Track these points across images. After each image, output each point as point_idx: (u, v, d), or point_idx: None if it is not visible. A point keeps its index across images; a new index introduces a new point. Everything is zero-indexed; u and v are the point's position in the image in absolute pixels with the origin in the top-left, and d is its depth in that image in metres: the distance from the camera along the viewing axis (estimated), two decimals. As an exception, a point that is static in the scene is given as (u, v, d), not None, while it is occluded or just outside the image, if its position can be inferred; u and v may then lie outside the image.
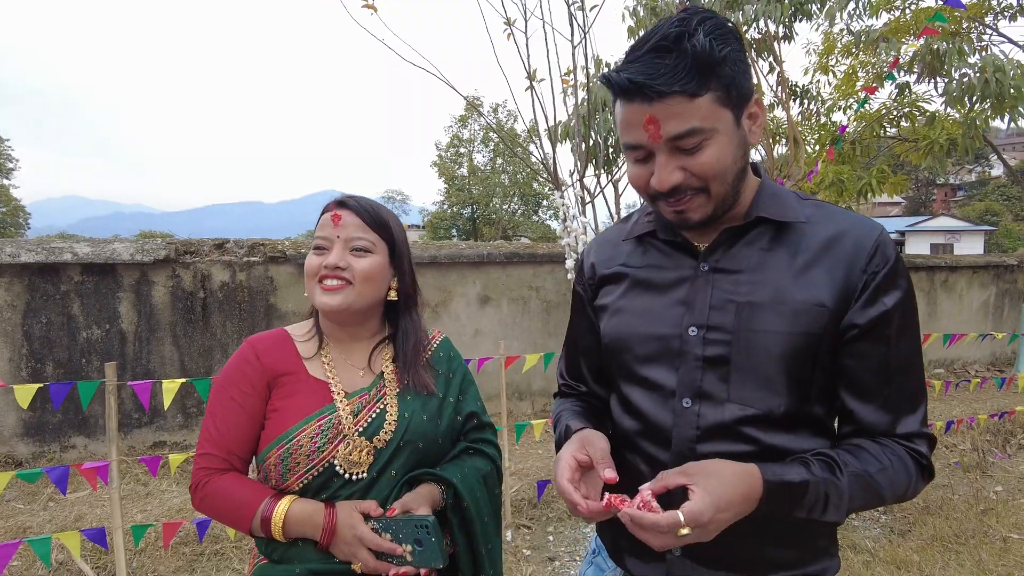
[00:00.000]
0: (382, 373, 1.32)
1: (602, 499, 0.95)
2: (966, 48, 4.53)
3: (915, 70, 5.18)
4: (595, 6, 3.87)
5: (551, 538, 3.91)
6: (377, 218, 1.29)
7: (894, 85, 5.20)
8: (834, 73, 7.67)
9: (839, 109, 7.25)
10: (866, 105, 5.41)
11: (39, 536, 2.69)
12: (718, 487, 0.88)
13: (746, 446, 1.01)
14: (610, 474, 0.95)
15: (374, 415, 1.27)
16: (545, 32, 3.52)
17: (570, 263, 3.75)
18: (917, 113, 6.31)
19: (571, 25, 3.61)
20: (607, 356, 1.16)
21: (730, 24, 0.96)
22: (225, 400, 1.26)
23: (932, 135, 5.91)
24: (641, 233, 1.15)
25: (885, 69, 5.25)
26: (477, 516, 1.29)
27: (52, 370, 4.54)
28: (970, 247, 29.64)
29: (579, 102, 5.65)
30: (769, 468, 0.93)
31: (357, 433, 1.24)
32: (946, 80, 4.67)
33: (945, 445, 5.71)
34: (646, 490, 0.91)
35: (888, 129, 6.74)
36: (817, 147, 6.63)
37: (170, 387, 2.83)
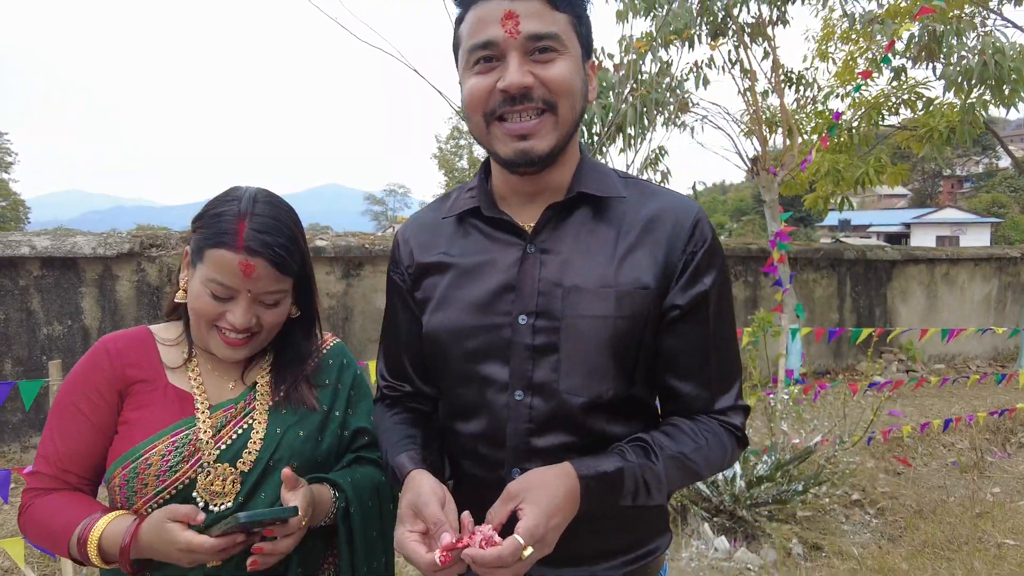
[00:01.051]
0: (255, 384, 1.15)
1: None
2: (966, 30, 4.32)
3: (910, 54, 4.97)
4: None
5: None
6: (292, 260, 1.06)
7: (890, 69, 5.00)
8: (833, 60, 7.45)
9: (837, 96, 7.03)
10: (862, 92, 5.21)
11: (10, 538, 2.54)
12: (543, 496, 0.85)
13: (578, 436, 0.98)
14: (447, 540, 0.84)
15: (239, 432, 1.09)
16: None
17: None
18: (916, 100, 6.10)
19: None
20: (432, 352, 1.06)
21: None
22: (68, 409, 1.08)
23: (931, 122, 5.70)
24: (462, 211, 1.05)
25: (881, 53, 5.05)
26: (362, 527, 1.12)
27: (11, 367, 4.38)
28: (976, 239, 29.30)
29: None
30: (583, 463, 0.91)
31: (216, 456, 1.06)
32: (944, 64, 4.46)
33: (943, 444, 5.53)
34: (486, 527, 0.84)
35: (887, 117, 6.52)
36: (813, 136, 6.42)
37: None
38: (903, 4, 5.67)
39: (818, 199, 6.90)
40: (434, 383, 1.11)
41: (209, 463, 1.05)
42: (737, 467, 3.84)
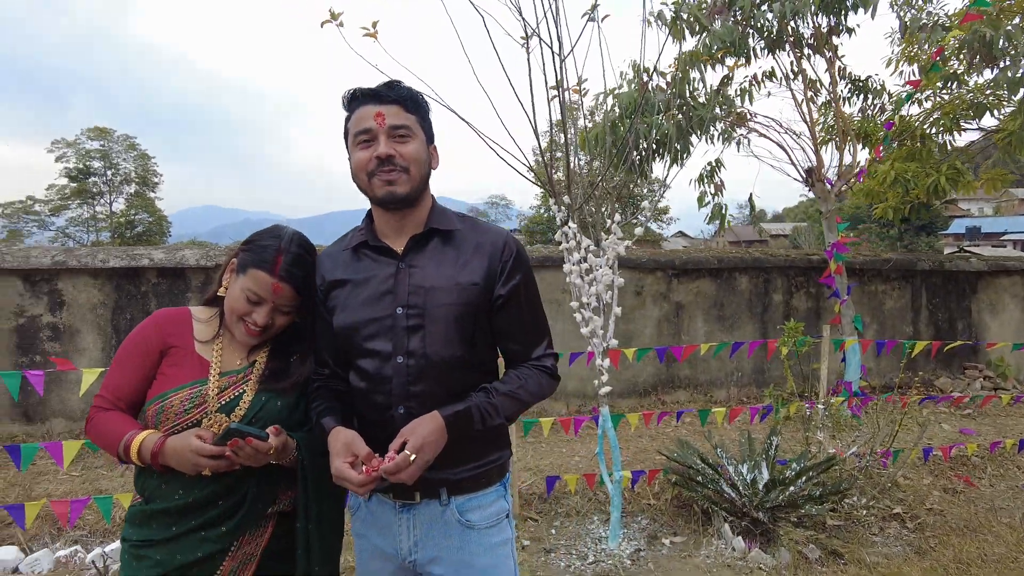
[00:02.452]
0: (255, 362, 1.59)
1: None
2: (1017, 35, 4.18)
3: (963, 60, 4.81)
4: (607, 16, 3.98)
5: (553, 531, 4.05)
6: (307, 288, 1.56)
7: (941, 77, 4.87)
8: (918, 62, 7.19)
9: (914, 102, 6.81)
10: (914, 99, 5.10)
11: (104, 495, 3.21)
12: (418, 430, 1.36)
13: (438, 384, 1.47)
14: (375, 461, 1.34)
15: (235, 395, 1.53)
16: (545, 46, 3.68)
17: (567, 267, 3.89)
18: (996, 104, 5.83)
19: (557, 42, 3.74)
20: (342, 341, 1.54)
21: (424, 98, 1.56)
22: (125, 357, 1.56)
23: (1011, 125, 5.45)
24: (356, 244, 1.57)
25: (930, 61, 4.91)
26: (312, 468, 1.50)
27: (133, 360, 5.24)
28: None
29: (609, 108, 5.73)
30: (445, 408, 1.41)
31: (216, 408, 1.50)
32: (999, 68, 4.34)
33: (1018, 465, 5.27)
34: (390, 453, 1.33)
35: (965, 123, 6.26)
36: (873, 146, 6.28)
37: None
38: (951, 11, 5.45)
39: (887, 208, 6.68)
40: (344, 365, 1.57)
41: (211, 412, 1.50)
42: (762, 471, 3.96)
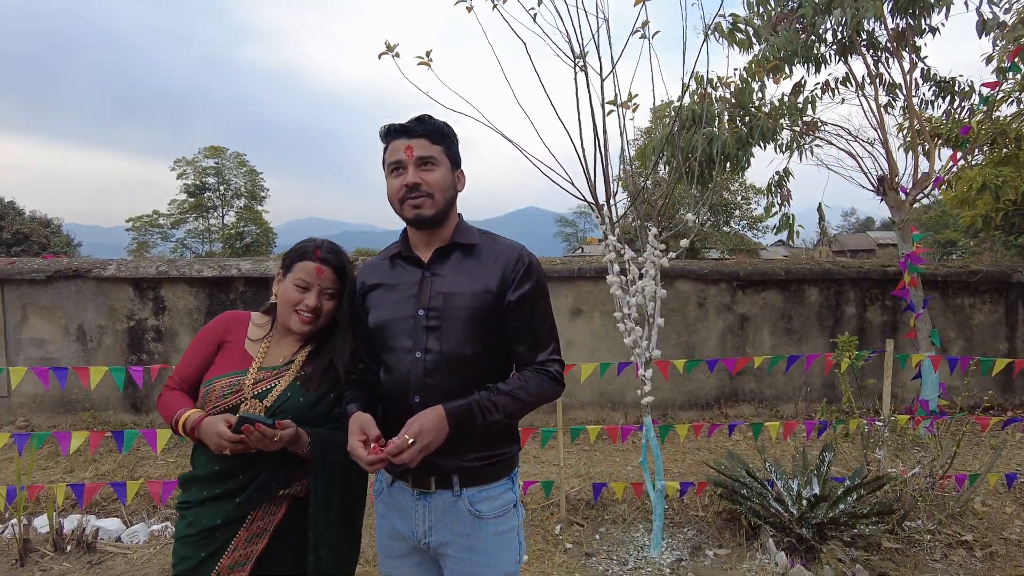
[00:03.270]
0: (292, 361, 1.85)
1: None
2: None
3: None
4: (657, 32, 4.08)
5: (597, 536, 4.14)
6: (344, 271, 1.85)
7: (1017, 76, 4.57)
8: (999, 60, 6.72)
9: (1010, 103, 6.38)
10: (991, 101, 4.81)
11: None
12: (420, 419, 1.54)
13: (450, 378, 1.65)
14: (380, 440, 1.56)
15: (268, 387, 1.79)
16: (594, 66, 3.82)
17: (611, 278, 4.00)
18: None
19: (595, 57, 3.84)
20: (374, 337, 1.75)
21: (452, 128, 1.77)
22: (194, 348, 1.88)
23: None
24: (392, 254, 1.82)
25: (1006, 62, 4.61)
26: (322, 461, 1.73)
27: (223, 360, 5.80)
28: None
29: (672, 121, 5.77)
30: (449, 403, 1.58)
31: (251, 395, 1.77)
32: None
33: None
34: (394, 439, 1.52)
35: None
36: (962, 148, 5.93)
37: None
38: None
39: (976, 216, 6.27)
40: (375, 359, 1.77)
41: (247, 399, 1.77)
42: (813, 487, 3.88)
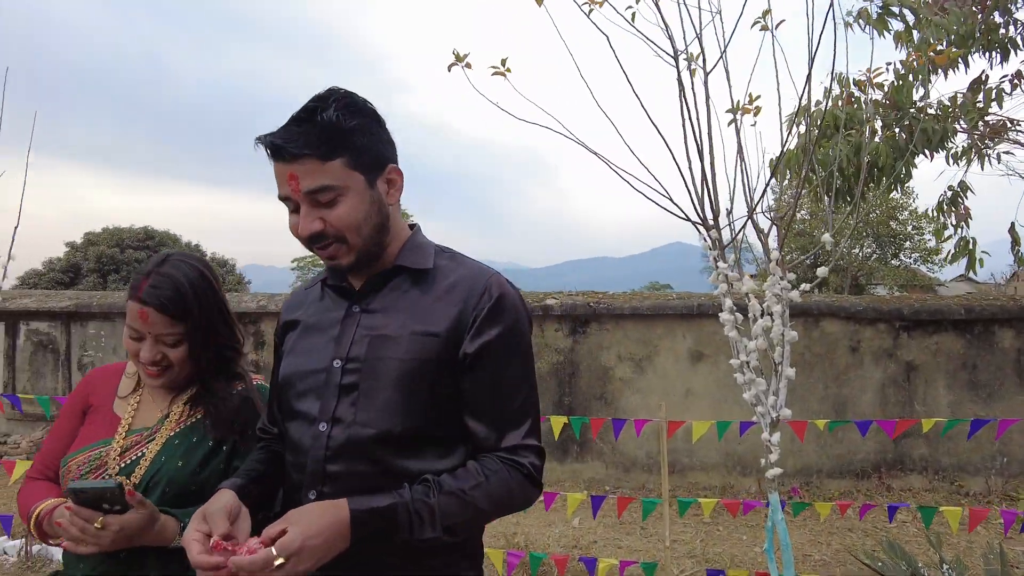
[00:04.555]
0: (168, 415, 1.40)
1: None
2: None
3: None
4: (782, 21, 3.37)
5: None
6: (179, 309, 1.33)
7: None
8: None
9: None
10: None
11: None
12: (305, 520, 1.00)
13: (368, 465, 1.12)
14: (215, 539, 1.01)
15: (138, 454, 1.35)
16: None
17: (724, 316, 3.26)
18: None
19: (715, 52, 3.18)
20: (279, 395, 1.26)
21: (364, 101, 1.16)
22: (56, 423, 1.48)
23: None
24: (321, 280, 1.30)
25: None
26: None
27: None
28: None
29: (807, 128, 4.88)
30: (359, 499, 1.04)
31: (117, 470, 1.33)
32: None
33: None
34: (253, 541, 1.00)
35: None
36: None
37: None
38: None
39: None
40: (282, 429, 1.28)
41: (112, 475, 1.33)
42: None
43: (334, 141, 1.09)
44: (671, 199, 3.18)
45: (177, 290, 1.32)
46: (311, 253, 1.26)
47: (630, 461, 5.19)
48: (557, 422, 3.83)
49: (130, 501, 1.18)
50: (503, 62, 3.43)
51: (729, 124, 3.28)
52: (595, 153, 3.31)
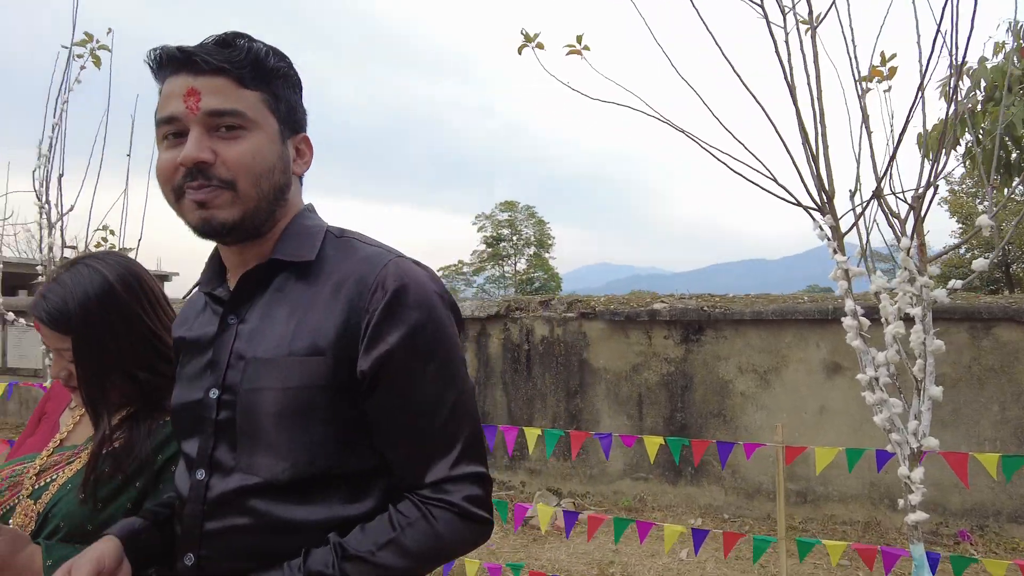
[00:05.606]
0: (91, 437, 1.21)
1: None
2: None
3: None
4: None
5: None
6: (61, 322, 1.15)
7: None
8: None
9: None
10: None
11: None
12: None
13: (248, 520, 0.91)
14: None
15: (53, 477, 1.18)
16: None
17: (847, 322, 2.69)
18: None
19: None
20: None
21: (288, 58, 0.99)
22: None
23: None
24: (200, 288, 1.07)
25: None
26: None
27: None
28: None
29: (967, 94, 4.04)
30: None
31: (28, 492, 1.16)
32: None
33: None
34: None
35: None
36: None
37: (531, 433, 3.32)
38: None
39: None
40: None
41: (24, 496, 1.17)
42: None
43: (257, 71, 0.93)
44: (775, 180, 2.65)
45: (63, 301, 1.14)
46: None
47: (753, 487, 4.54)
48: (652, 443, 3.38)
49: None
50: (579, 39, 3.09)
51: (865, 90, 2.68)
52: (684, 132, 2.88)
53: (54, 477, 1.18)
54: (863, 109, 2.59)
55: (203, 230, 0.93)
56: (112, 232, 4.64)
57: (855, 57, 2.58)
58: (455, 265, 47.88)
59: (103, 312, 1.16)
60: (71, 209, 4.50)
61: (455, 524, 0.90)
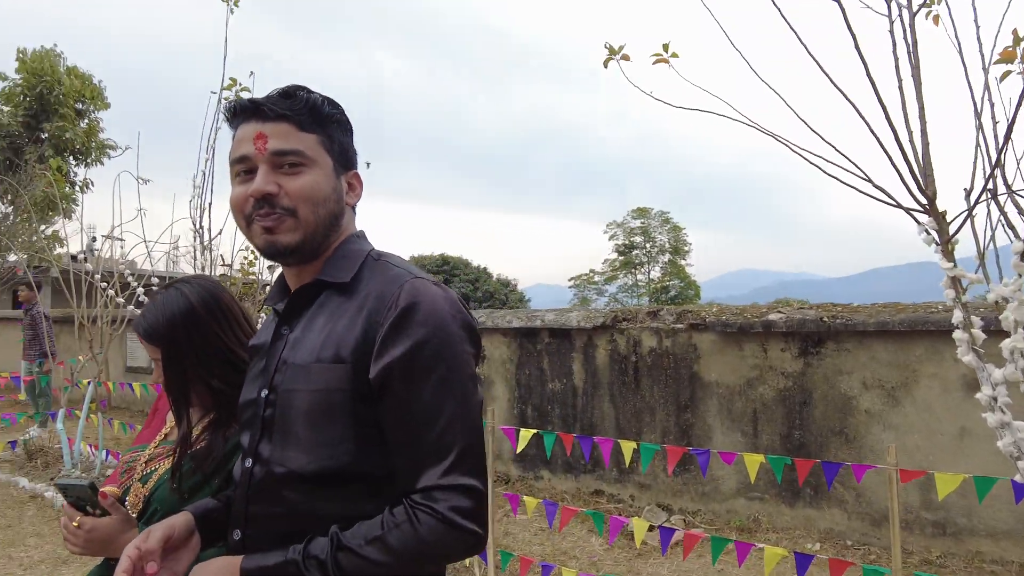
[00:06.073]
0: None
1: None
2: None
3: None
4: None
5: None
6: (155, 336, 1.37)
7: None
8: None
9: None
10: None
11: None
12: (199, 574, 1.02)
13: (281, 508, 1.05)
14: (150, 569, 1.04)
15: (155, 467, 1.40)
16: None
17: (958, 335, 2.48)
18: None
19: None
20: None
21: (340, 106, 1.17)
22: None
23: None
24: (267, 303, 1.27)
25: None
26: None
27: (530, 412, 5.69)
28: None
29: None
30: (253, 556, 1.01)
31: (139, 476, 1.40)
32: None
33: None
34: (151, 566, 1.04)
35: None
36: None
37: (627, 446, 3.44)
38: None
39: None
40: None
41: (135, 480, 1.40)
42: None
43: (314, 117, 1.11)
44: (870, 180, 2.49)
45: (154, 318, 1.37)
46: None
47: (880, 513, 4.16)
48: (752, 461, 3.22)
49: (103, 503, 1.24)
50: (665, 47, 3.09)
51: (1002, 75, 2.43)
52: (774, 136, 2.78)
53: (156, 468, 1.41)
54: (987, 99, 2.35)
55: (268, 251, 1.11)
56: (253, 254, 5.22)
57: (979, 39, 2.34)
58: (586, 275, 47.70)
59: (185, 329, 1.37)
60: (220, 233, 5.13)
61: (439, 530, 0.97)
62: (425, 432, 1.00)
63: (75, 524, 1.23)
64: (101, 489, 1.25)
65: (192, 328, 1.37)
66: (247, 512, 1.08)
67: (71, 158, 13.87)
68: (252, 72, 4.80)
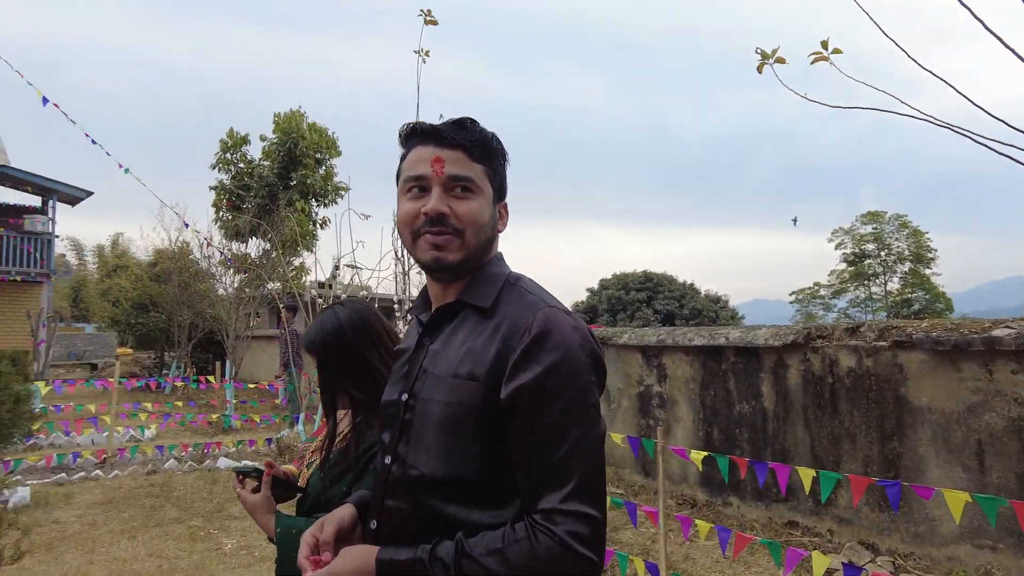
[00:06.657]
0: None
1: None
2: None
3: None
4: None
5: None
6: (314, 350, 1.64)
7: None
8: None
9: None
10: None
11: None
12: (343, 558, 1.11)
13: (412, 506, 1.12)
14: (326, 556, 1.15)
15: (315, 458, 1.68)
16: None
17: None
18: None
19: None
20: None
21: (502, 142, 1.26)
22: None
23: None
24: (413, 312, 1.38)
25: None
26: (281, 552, 1.46)
27: (716, 434, 5.45)
28: None
29: None
30: (388, 548, 1.09)
31: (307, 463, 1.71)
32: None
33: None
34: (326, 555, 1.16)
35: None
36: None
37: (806, 474, 3.38)
38: None
39: None
40: None
41: (304, 466, 1.72)
42: None
43: (483, 150, 1.21)
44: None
45: (314, 334, 1.66)
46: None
47: None
48: (955, 501, 2.80)
49: (268, 475, 1.58)
50: (824, 45, 2.93)
51: None
52: (948, 126, 2.50)
53: (315, 459, 1.71)
54: None
55: (433, 267, 1.19)
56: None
57: None
58: (811, 288, 43.62)
59: (335, 345, 1.64)
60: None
61: (555, 553, 0.99)
62: (548, 455, 1.03)
63: (239, 491, 1.60)
64: (270, 470, 1.59)
65: (340, 344, 1.64)
66: (383, 505, 1.16)
67: (312, 200, 16.43)
68: (441, 115, 5.35)
